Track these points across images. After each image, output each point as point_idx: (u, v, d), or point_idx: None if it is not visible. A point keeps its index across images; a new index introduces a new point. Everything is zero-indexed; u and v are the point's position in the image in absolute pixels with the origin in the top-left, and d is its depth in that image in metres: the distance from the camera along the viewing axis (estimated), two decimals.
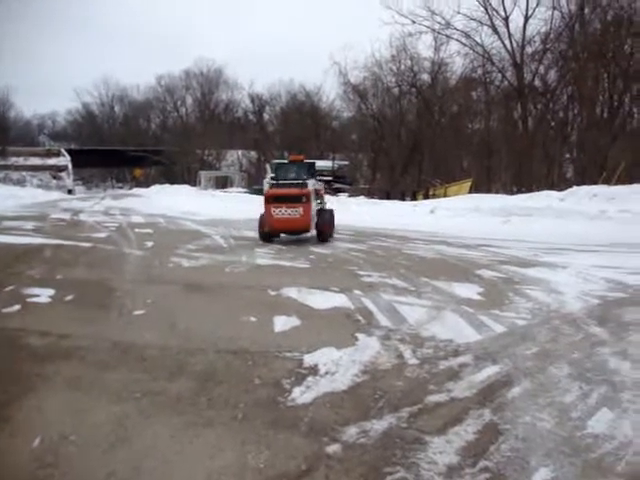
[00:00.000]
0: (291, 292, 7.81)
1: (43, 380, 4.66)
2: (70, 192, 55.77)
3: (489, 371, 4.65)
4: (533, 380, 4.42)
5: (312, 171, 14.66)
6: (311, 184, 13.62)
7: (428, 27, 35.12)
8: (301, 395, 4.25)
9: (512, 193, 24.53)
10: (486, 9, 32.32)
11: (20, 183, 55.81)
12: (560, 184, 25.92)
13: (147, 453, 3.46)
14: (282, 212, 13.14)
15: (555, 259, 10.40)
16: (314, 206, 13.64)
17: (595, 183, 21.82)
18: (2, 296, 7.77)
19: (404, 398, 4.15)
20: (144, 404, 4.16)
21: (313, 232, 13.90)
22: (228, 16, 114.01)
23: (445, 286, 8.12)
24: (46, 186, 56.66)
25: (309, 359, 5.01)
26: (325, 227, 13.82)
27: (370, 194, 36.57)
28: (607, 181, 22.52)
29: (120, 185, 77.57)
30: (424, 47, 52.41)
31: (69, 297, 7.72)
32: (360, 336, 5.69)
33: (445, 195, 28.66)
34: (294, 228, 13.57)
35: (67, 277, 9.21)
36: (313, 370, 4.76)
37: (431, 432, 3.60)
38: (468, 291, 7.76)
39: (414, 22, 34.60)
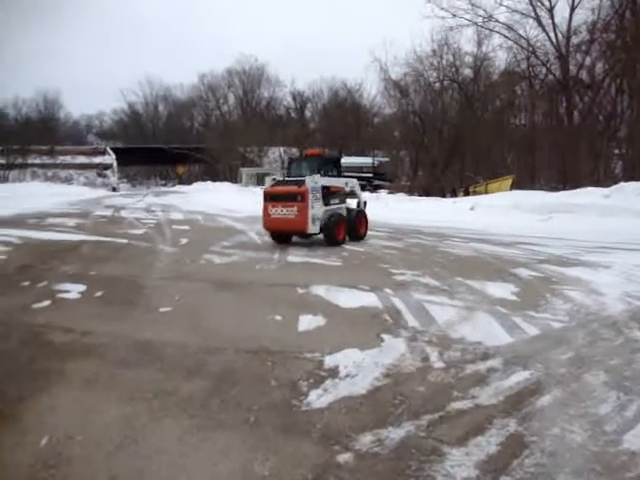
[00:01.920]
0: (319, 290, 7.64)
1: (60, 377, 4.61)
2: (114, 189, 56.96)
3: (518, 377, 4.38)
4: (565, 388, 4.14)
5: (328, 167, 13.69)
6: (310, 181, 12.31)
7: (469, 20, 34.27)
8: (317, 399, 4.07)
9: (556, 190, 23.76)
10: (530, 0, 31.40)
11: (67, 181, 57.37)
12: (607, 181, 24.96)
13: (152, 456, 3.33)
14: (278, 211, 12.47)
15: (597, 258, 9.95)
16: (316, 206, 12.40)
17: None
18: (35, 291, 7.88)
19: (425, 404, 3.92)
20: (155, 405, 4.05)
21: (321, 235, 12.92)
22: (269, 14, 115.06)
23: (479, 285, 7.82)
24: (92, 184, 58.06)
25: (330, 360, 4.83)
26: (334, 231, 12.65)
27: (411, 191, 36.12)
28: None
29: (163, 182, 78.61)
30: (466, 41, 51.17)
31: (98, 293, 7.73)
32: (386, 337, 5.48)
33: (486, 192, 28.03)
34: (289, 229, 12.84)
35: (99, 273, 9.24)
36: (333, 372, 4.57)
37: (450, 442, 3.37)
38: (503, 291, 7.45)
39: (454, 15, 33.74)
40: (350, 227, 13.23)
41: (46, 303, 7.16)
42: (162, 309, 6.78)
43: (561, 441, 3.37)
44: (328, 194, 12.99)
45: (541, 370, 4.50)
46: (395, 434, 3.51)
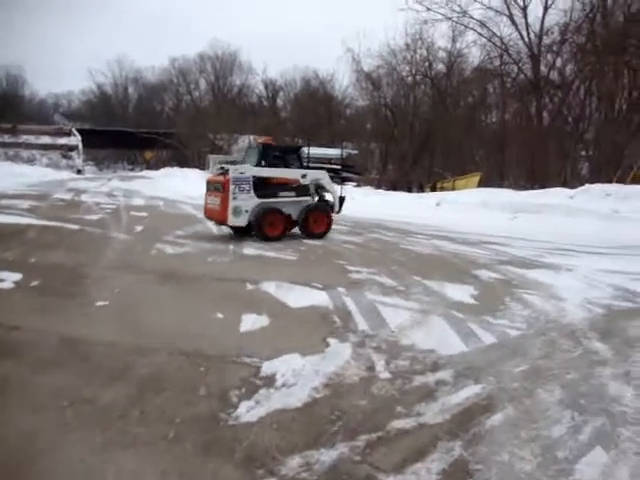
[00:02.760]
0: (270, 287, 7.26)
1: None
2: (79, 172, 55.49)
3: (469, 391, 4.07)
4: (518, 406, 3.84)
5: (284, 156, 12.70)
6: (233, 171, 11.58)
7: (444, 15, 34.05)
8: (247, 412, 3.70)
9: (524, 189, 23.71)
10: None
11: (30, 161, 55.58)
12: (574, 182, 25.03)
13: None
14: (210, 200, 12.24)
15: (560, 260, 9.75)
16: (242, 197, 11.52)
17: (610, 182, 21.00)
18: None
19: (364, 422, 3.59)
20: (68, 415, 3.64)
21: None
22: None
23: (437, 287, 7.52)
24: (55, 165, 56.42)
25: (268, 367, 4.46)
26: (262, 225, 11.72)
27: (379, 185, 35.88)
28: (622, 180, 21.70)
29: (131, 167, 77.05)
30: (440, 36, 50.92)
31: (35, 283, 7.23)
32: (332, 341, 5.14)
33: (453, 188, 27.92)
34: (215, 219, 12.37)
35: (41, 261, 8.71)
36: (269, 381, 4.21)
37: (387, 469, 3.04)
38: (461, 293, 7.17)
39: (429, 9, 33.45)
40: (300, 224, 12.33)
41: None
42: (100, 302, 6.33)
43: (509, 469, 3.07)
44: (268, 185, 12.02)
45: (493, 384, 4.21)
46: (327, 456, 3.17)
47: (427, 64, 39.10)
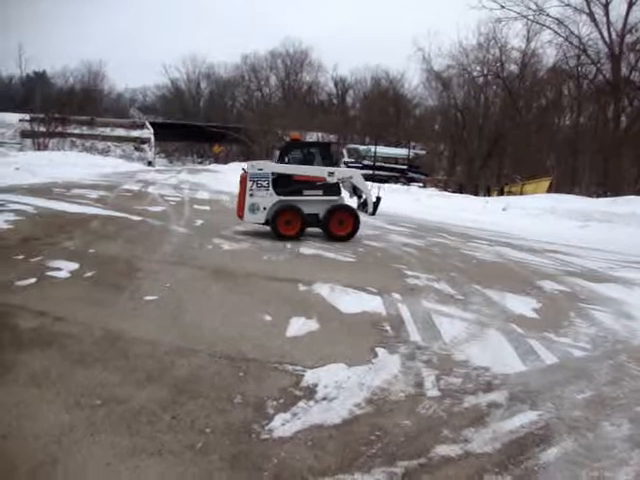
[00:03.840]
0: (323, 289, 7.06)
1: (6, 371, 4.14)
2: (150, 164, 57.00)
3: (523, 418, 3.73)
4: (578, 439, 3.48)
5: (311, 152, 12.21)
6: (251, 167, 11.52)
7: (518, 13, 32.99)
8: (282, 425, 3.51)
9: (596, 196, 22.68)
10: None
11: (104, 152, 57.48)
12: None
13: None
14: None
15: (633, 275, 9.13)
16: (260, 194, 11.35)
17: None
18: (25, 267, 7.45)
19: (406, 445, 3.33)
20: (99, 415, 3.55)
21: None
22: None
23: (497, 297, 7.14)
24: (128, 157, 58.19)
25: (310, 376, 4.26)
26: (277, 223, 11.35)
27: (445, 186, 35.21)
28: None
29: (200, 160, 78.58)
30: (513, 35, 49.51)
31: (89, 274, 7.27)
32: (380, 352, 4.88)
33: (521, 193, 27.02)
34: (238, 215, 11.98)
35: (99, 252, 8.80)
36: (309, 392, 4.00)
37: None
38: (523, 306, 6.77)
39: (503, 7, 32.45)
40: (322, 225, 11.72)
41: (31, 281, 6.71)
42: (148, 297, 6.29)
43: None
44: (291, 183, 11.64)
45: (552, 411, 3.85)
46: None
47: (499, 64, 38.12)
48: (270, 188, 11.50)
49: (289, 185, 11.68)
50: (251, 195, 11.44)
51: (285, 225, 11.42)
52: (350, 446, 3.30)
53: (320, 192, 11.86)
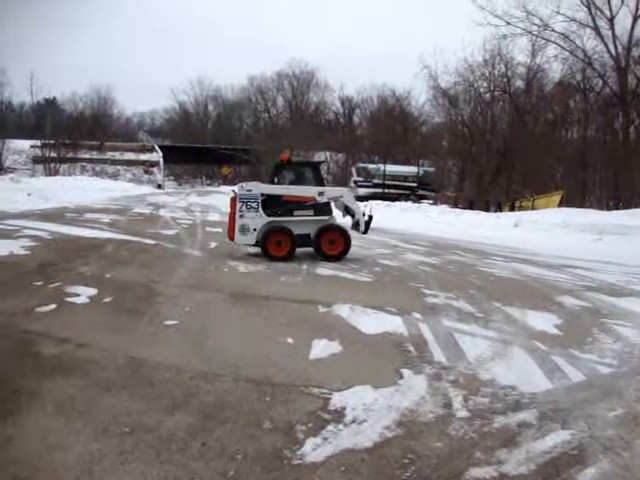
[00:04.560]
0: (343, 310, 7.03)
1: (33, 399, 4.13)
2: (159, 187, 57.40)
3: (556, 438, 3.68)
4: (614, 459, 3.41)
5: (298, 172, 12.29)
6: (240, 189, 11.49)
7: (524, 29, 33.17)
8: (313, 450, 3.47)
9: (607, 209, 22.58)
10: (589, 9, 29.93)
11: (114, 176, 57.99)
12: None
13: None
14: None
15: None
16: (249, 215, 11.28)
17: None
18: (44, 293, 7.49)
19: (440, 468, 3.28)
20: (128, 442, 3.52)
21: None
22: (322, 19, 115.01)
23: (518, 314, 7.09)
24: (138, 180, 58.65)
25: (338, 399, 4.23)
26: (266, 244, 11.31)
27: (455, 203, 35.18)
28: None
29: (209, 182, 79.00)
30: (519, 51, 49.84)
31: (108, 299, 7.29)
32: (406, 373, 4.85)
33: (532, 208, 26.95)
34: (229, 237, 11.84)
35: (116, 277, 8.83)
36: (338, 415, 3.97)
37: None
38: (544, 322, 6.71)
39: (508, 23, 32.68)
40: (313, 245, 11.61)
41: (51, 307, 6.74)
42: (168, 322, 6.28)
43: None
44: (281, 204, 11.60)
45: (584, 430, 3.79)
46: None
47: (506, 80, 38.25)
48: (260, 209, 11.45)
49: (279, 206, 11.63)
50: (241, 216, 11.39)
51: (275, 246, 11.37)
52: (384, 470, 3.26)
53: (311, 212, 11.77)
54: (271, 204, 11.58)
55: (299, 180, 12.08)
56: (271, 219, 11.50)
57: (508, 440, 3.65)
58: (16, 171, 47.09)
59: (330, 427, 3.78)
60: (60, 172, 53.95)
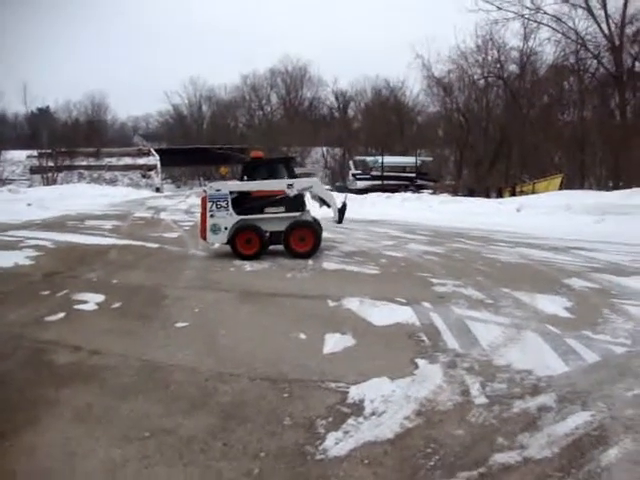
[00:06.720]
0: (352, 303, 7.02)
1: (51, 408, 4.12)
2: (158, 190, 57.36)
3: (576, 420, 3.67)
4: (637, 438, 3.41)
5: (270, 169, 12.20)
6: (210, 188, 11.54)
7: (515, 13, 32.99)
8: (335, 445, 3.46)
9: (608, 189, 22.52)
10: None
11: (112, 182, 57.95)
12: None
13: None
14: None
15: None
16: (219, 214, 11.25)
17: None
18: (53, 301, 7.49)
19: (463, 455, 3.28)
20: (150, 446, 3.52)
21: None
22: (311, 13, 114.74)
23: (528, 298, 7.08)
24: (136, 185, 58.57)
25: (355, 392, 4.22)
26: (236, 243, 11.23)
27: (455, 191, 35.12)
28: None
29: (207, 183, 78.97)
30: (511, 35, 49.51)
31: (116, 305, 7.29)
32: (421, 362, 4.84)
33: (533, 192, 26.88)
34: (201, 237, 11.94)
35: (123, 282, 8.83)
36: (357, 408, 3.96)
37: None
38: (554, 305, 6.71)
39: (500, 8, 32.45)
40: (283, 242, 11.34)
41: (61, 315, 6.75)
42: (179, 324, 6.28)
43: None
44: (251, 201, 11.50)
45: (604, 411, 3.79)
46: None
47: (499, 65, 38.05)
48: (230, 208, 11.39)
49: (248, 204, 11.53)
50: (212, 216, 11.37)
51: (245, 244, 11.26)
52: (408, 461, 3.26)
53: (282, 209, 11.60)
54: (242, 202, 11.53)
55: (272, 177, 11.96)
56: (241, 217, 11.44)
57: (529, 424, 3.64)
58: (14, 182, 46.99)
59: (350, 420, 3.78)
60: (58, 181, 53.86)
